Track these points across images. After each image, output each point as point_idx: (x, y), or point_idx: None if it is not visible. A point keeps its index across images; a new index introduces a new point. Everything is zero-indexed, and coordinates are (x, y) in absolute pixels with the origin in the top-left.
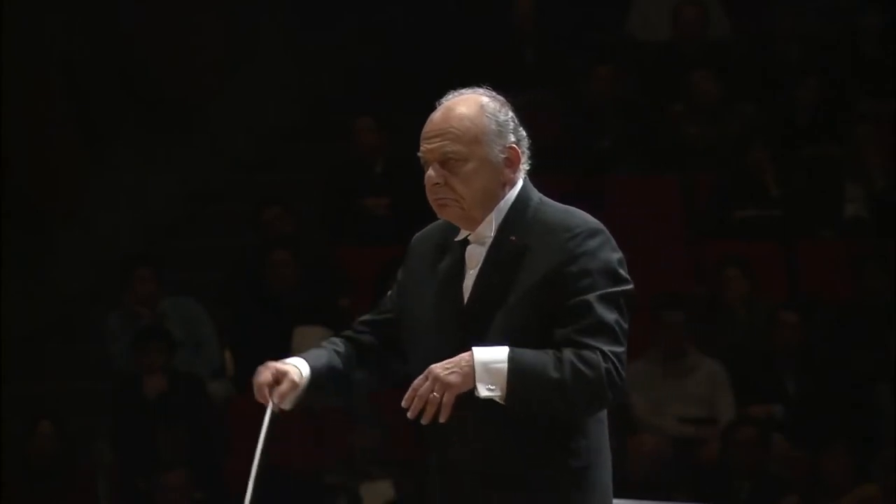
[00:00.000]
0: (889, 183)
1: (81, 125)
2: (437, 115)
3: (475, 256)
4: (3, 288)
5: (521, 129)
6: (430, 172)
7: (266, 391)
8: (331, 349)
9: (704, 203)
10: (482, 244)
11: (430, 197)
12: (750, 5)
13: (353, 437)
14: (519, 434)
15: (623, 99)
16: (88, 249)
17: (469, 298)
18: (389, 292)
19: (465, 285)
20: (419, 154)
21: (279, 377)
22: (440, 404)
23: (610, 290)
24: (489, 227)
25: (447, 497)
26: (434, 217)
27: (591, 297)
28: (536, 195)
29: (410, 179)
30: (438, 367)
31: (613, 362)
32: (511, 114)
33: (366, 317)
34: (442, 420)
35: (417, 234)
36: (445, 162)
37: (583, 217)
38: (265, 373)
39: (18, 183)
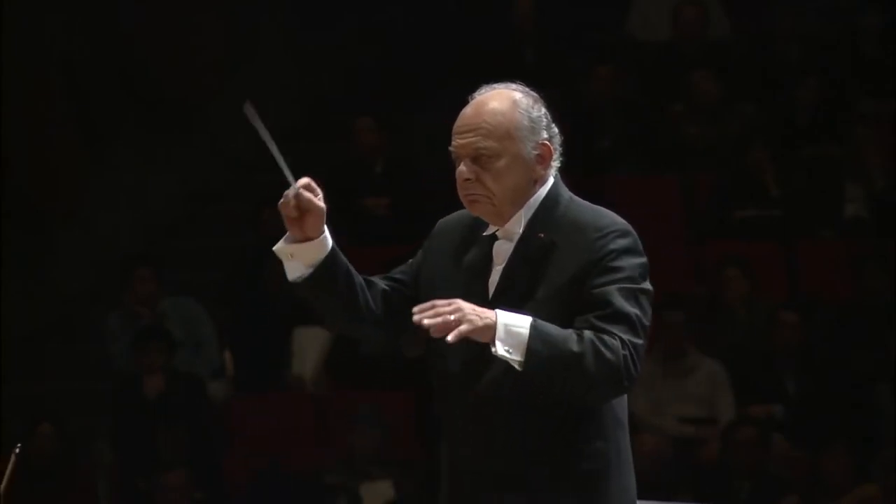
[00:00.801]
0: (889, 183)
1: (81, 125)
2: (468, 110)
3: (502, 252)
4: (3, 288)
5: (553, 125)
6: (462, 168)
7: (301, 190)
8: (354, 271)
9: (704, 203)
10: (510, 240)
11: (461, 193)
12: (750, 5)
13: (353, 437)
14: (531, 432)
15: (623, 99)
16: (88, 249)
17: (495, 293)
18: (410, 261)
19: (490, 281)
20: (450, 149)
21: (312, 189)
22: (451, 329)
23: (632, 286)
24: (518, 224)
25: (455, 497)
26: (434, 216)
27: (613, 288)
28: (567, 193)
29: (410, 179)
30: (464, 304)
31: (631, 351)
32: (544, 110)
33: (379, 278)
34: (450, 339)
35: (442, 220)
36: (477, 158)
37: (613, 218)
38: (302, 179)
39: (18, 183)
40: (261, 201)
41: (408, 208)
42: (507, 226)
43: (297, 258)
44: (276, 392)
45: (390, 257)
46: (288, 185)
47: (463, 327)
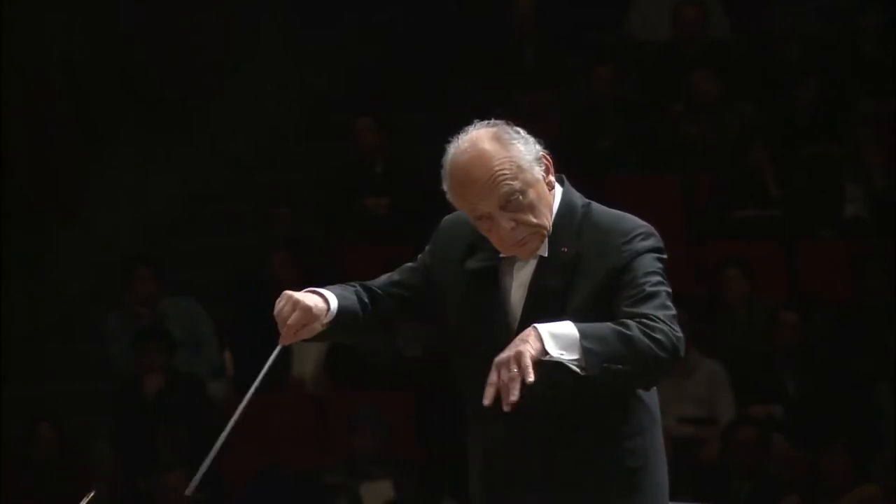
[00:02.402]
0: (889, 183)
1: (81, 125)
2: (470, 172)
3: (524, 271)
4: (3, 288)
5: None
6: (501, 223)
7: (290, 336)
8: (354, 294)
9: (704, 203)
10: (532, 257)
11: (508, 244)
12: (750, 5)
13: (353, 437)
14: (574, 435)
15: (623, 99)
16: (88, 249)
17: (524, 312)
18: (420, 257)
19: (514, 299)
20: (470, 212)
21: (308, 321)
22: (523, 374)
23: (657, 270)
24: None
25: (495, 500)
26: (434, 216)
27: (640, 274)
28: (580, 199)
29: (410, 179)
30: (503, 354)
31: (670, 325)
32: (515, 126)
33: (384, 282)
34: (529, 379)
35: (448, 219)
36: (506, 204)
37: (635, 221)
38: (296, 314)
39: (18, 183)
40: (261, 201)
41: (408, 208)
42: None
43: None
44: (276, 392)
45: (390, 257)
46: None
47: (524, 362)
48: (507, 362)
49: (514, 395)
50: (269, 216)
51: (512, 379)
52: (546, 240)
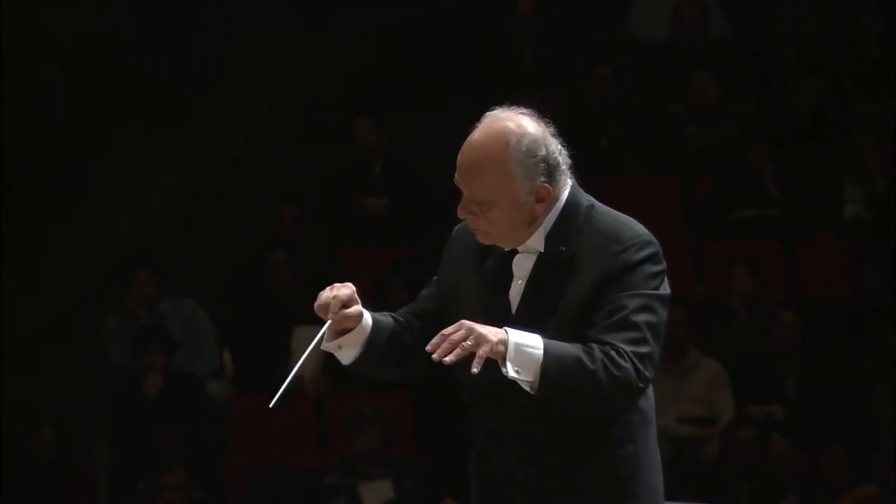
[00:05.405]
0: (889, 183)
1: (81, 125)
2: (467, 154)
3: (523, 266)
4: (3, 288)
5: (553, 154)
6: (463, 203)
7: (337, 306)
8: (389, 318)
9: (704, 203)
10: (531, 253)
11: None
12: (750, 5)
13: (353, 437)
14: (563, 443)
15: (623, 99)
16: (88, 249)
17: (518, 309)
18: (428, 289)
19: (512, 294)
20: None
21: (352, 301)
22: (472, 353)
23: (646, 292)
24: (538, 239)
25: (494, 498)
26: (433, 217)
27: (625, 296)
28: (586, 201)
29: (410, 179)
30: (475, 325)
31: (635, 362)
32: (543, 150)
33: (407, 310)
34: (474, 370)
35: (459, 227)
36: (470, 202)
37: (634, 229)
38: (344, 289)
39: (18, 183)
40: (262, 201)
41: (407, 209)
42: (527, 242)
43: (346, 347)
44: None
45: (389, 257)
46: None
47: (481, 350)
48: (469, 334)
49: (449, 359)
50: (269, 216)
51: (462, 347)
52: (542, 235)
